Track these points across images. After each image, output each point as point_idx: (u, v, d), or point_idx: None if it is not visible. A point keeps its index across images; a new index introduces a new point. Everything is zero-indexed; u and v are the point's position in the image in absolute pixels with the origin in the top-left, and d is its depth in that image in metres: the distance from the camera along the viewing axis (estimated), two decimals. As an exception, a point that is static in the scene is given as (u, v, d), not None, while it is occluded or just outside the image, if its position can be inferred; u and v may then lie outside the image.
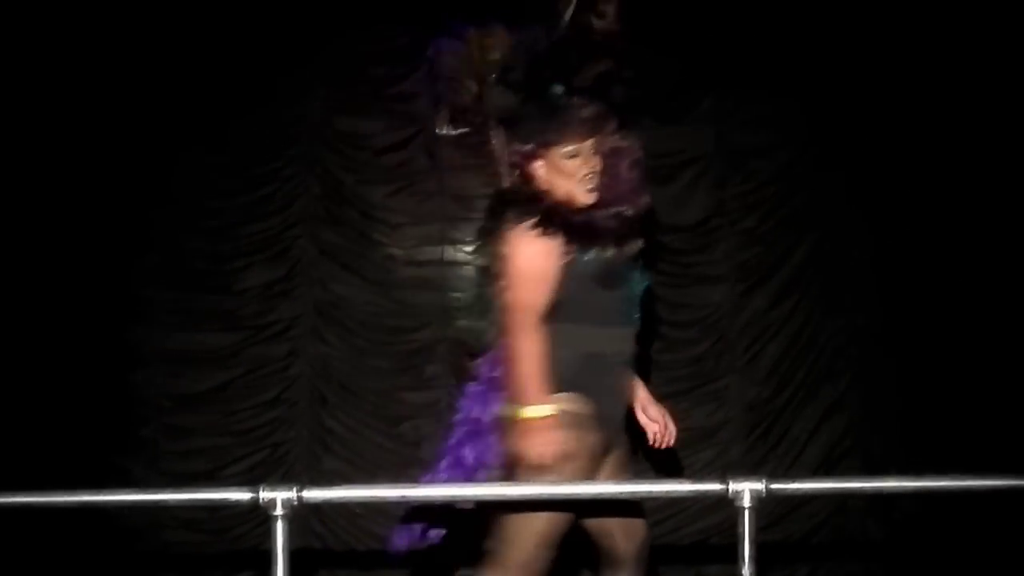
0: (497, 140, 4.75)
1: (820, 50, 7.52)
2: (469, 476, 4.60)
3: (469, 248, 7.55)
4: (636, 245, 4.60)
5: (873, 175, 7.58)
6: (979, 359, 7.46)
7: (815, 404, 7.61)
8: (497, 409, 4.60)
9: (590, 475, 4.47)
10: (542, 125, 4.54)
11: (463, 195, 7.55)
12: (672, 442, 4.71)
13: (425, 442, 7.44)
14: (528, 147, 4.57)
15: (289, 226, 7.55)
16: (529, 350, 4.42)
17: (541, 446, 4.36)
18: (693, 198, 7.54)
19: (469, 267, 7.49)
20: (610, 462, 4.65)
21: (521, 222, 4.46)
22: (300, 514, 3.51)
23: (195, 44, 7.40)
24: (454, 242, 7.57)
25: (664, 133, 7.45)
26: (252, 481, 3.65)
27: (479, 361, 4.85)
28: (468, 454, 4.66)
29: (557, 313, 4.46)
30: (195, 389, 7.50)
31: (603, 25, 4.74)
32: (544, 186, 4.55)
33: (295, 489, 3.48)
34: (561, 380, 4.49)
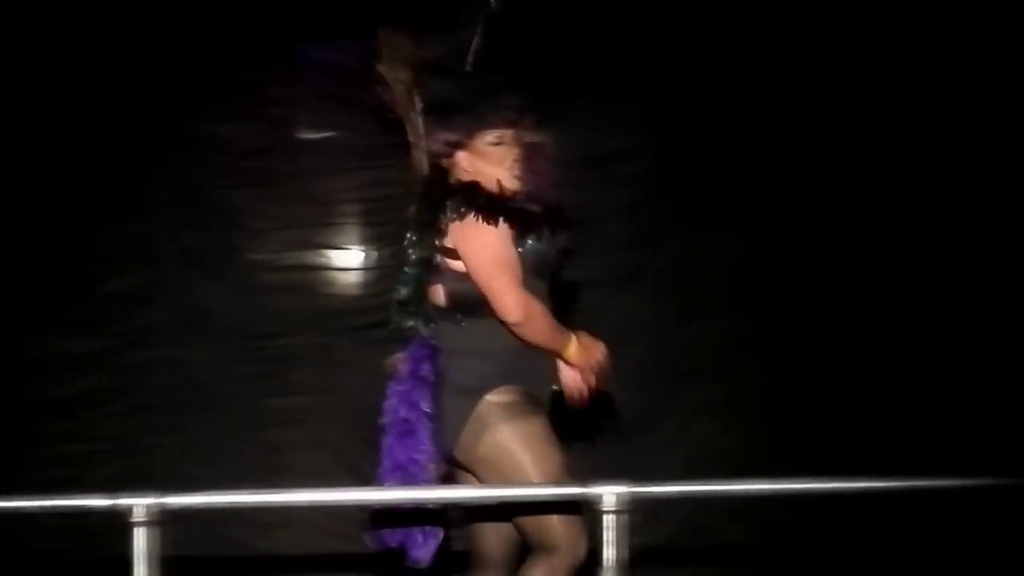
0: (414, 132, 4.72)
1: (684, 56, 7.59)
2: (409, 477, 4.55)
3: (331, 251, 7.55)
4: (564, 237, 4.60)
5: (735, 181, 7.66)
6: (842, 360, 7.60)
7: (679, 407, 7.68)
8: (426, 405, 4.57)
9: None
10: (469, 112, 4.53)
11: (326, 199, 7.53)
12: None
13: (288, 448, 7.44)
14: (455, 136, 4.56)
15: (151, 231, 7.45)
16: (538, 312, 4.45)
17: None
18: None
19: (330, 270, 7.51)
20: None
21: (466, 213, 4.47)
22: (162, 521, 3.45)
23: (55, 47, 7.29)
24: (318, 246, 7.54)
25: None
26: (115, 488, 3.58)
27: (400, 358, 4.78)
28: (401, 455, 4.61)
29: (488, 307, 4.46)
30: (57, 396, 7.38)
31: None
32: (466, 176, 4.57)
33: (157, 496, 3.44)
34: (498, 374, 4.51)
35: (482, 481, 4.46)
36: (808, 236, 7.59)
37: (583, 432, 7.46)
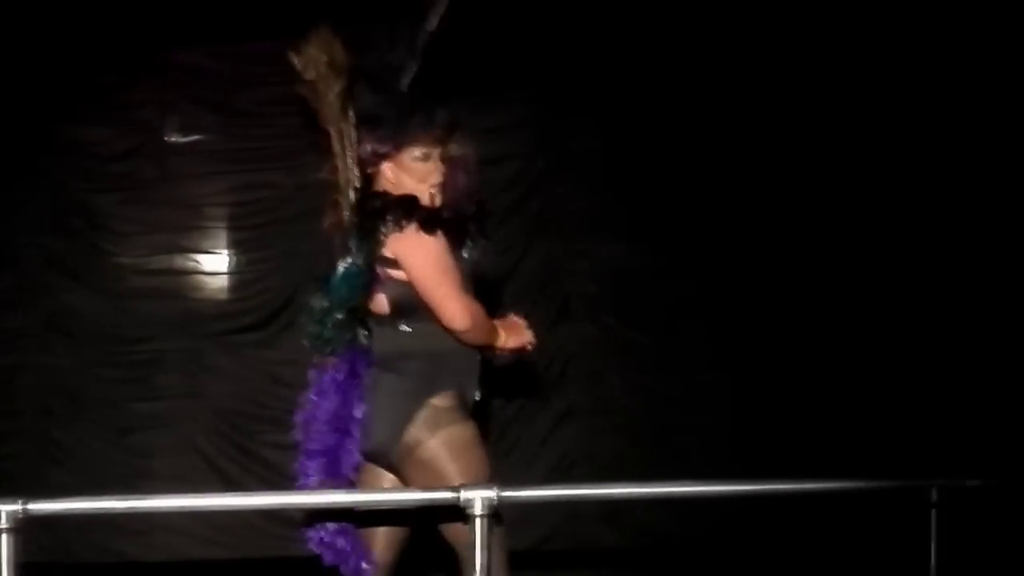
0: (341, 140, 4.73)
1: (555, 61, 7.63)
2: (333, 480, 4.57)
3: (199, 255, 7.50)
4: (485, 246, 4.65)
5: (605, 185, 7.72)
6: (712, 363, 7.69)
7: (546, 412, 7.71)
8: (358, 409, 4.59)
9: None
10: (398, 126, 4.55)
11: (193, 203, 7.48)
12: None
13: (154, 453, 7.38)
14: (383, 147, 4.58)
15: (15, 235, 7.35)
16: (479, 314, 4.53)
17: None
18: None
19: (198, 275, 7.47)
20: None
21: (407, 225, 4.48)
22: (26, 528, 3.41)
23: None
24: (184, 250, 7.48)
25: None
26: (-24, 495, 3.52)
27: (332, 362, 4.77)
28: (327, 456, 4.62)
29: (429, 312, 4.50)
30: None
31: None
32: (388, 186, 4.59)
33: (20, 502, 3.39)
34: (439, 377, 4.54)
35: (407, 483, 4.48)
36: (680, 239, 7.66)
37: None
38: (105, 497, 3.60)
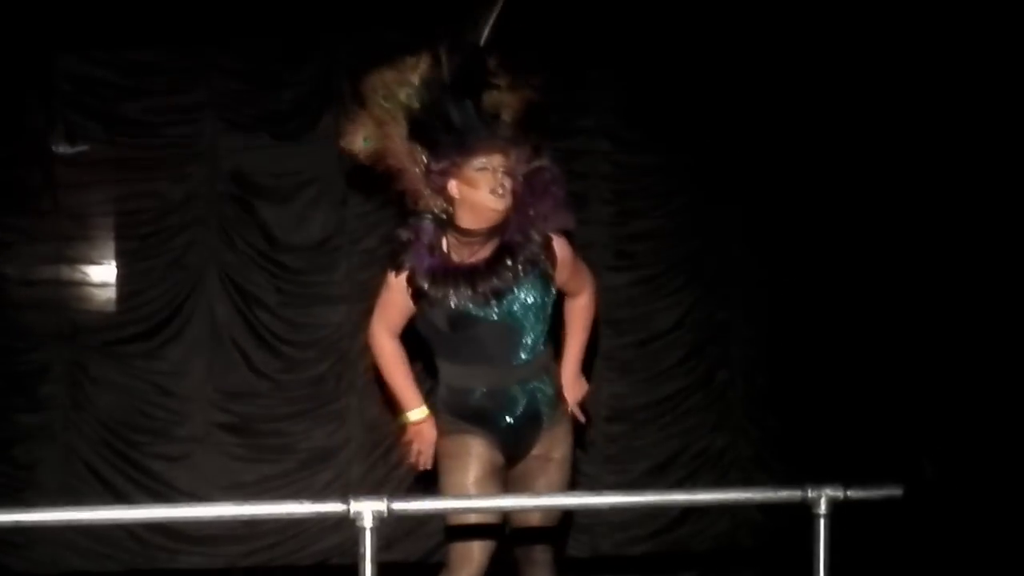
0: (414, 178, 4.77)
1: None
2: None
3: (84, 266, 7.45)
4: (492, 284, 4.68)
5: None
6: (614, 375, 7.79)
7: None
8: None
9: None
10: (454, 138, 4.57)
11: (79, 213, 7.42)
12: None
13: (39, 465, 7.32)
14: (443, 163, 4.61)
15: None
16: (381, 353, 4.94)
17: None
18: (314, 217, 7.57)
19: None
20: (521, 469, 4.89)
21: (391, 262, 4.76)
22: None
23: None
24: (70, 261, 7.41)
25: (285, 151, 7.47)
26: None
27: None
28: None
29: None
30: None
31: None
32: (455, 205, 4.64)
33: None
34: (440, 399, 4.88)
35: None
36: (607, 250, 7.77)
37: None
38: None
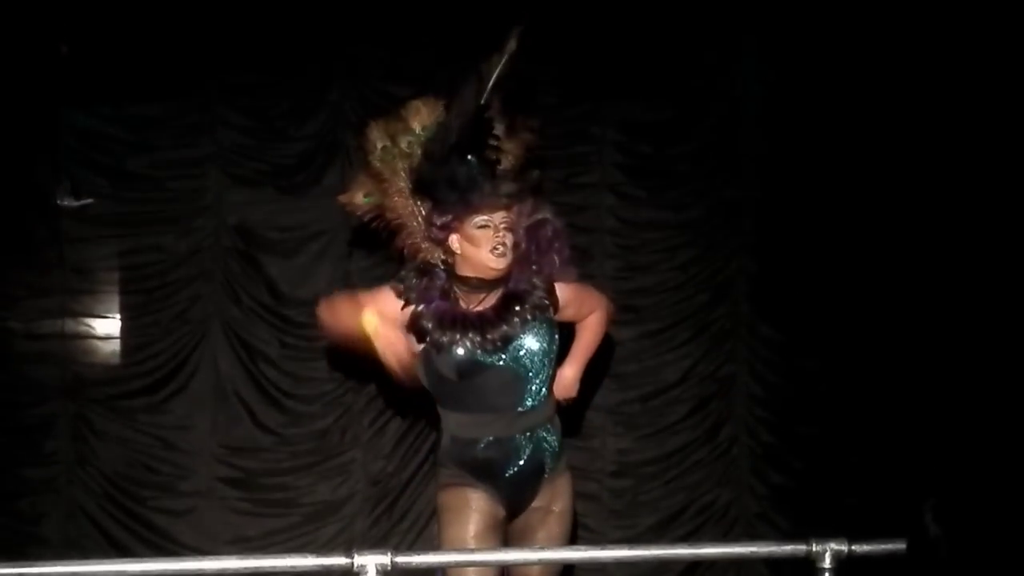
0: (413, 232, 4.80)
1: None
2: None
3: (89, 319, 7.45)
4: (501, 331, 4.69)
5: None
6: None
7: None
8: None
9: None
10: (457, 195, 4.60)
11: (84, 267, 7.43)
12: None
13: (43, 519, 7.30)
14: (445, 218, 4.63)
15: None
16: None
17: None
18: (319, 271, 7.57)
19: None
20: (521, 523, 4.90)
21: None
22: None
23: None
24: (75, 315, 7.42)
25: (290, 205, 7.48)
26: None
27: None
28: None
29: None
30: None
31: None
32: (456, 259, 4.74)
33: None
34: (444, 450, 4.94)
35: None
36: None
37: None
38: (-8, 564, 3.56)
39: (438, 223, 4.69)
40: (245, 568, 3.60)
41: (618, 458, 7.76)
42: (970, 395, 7.50)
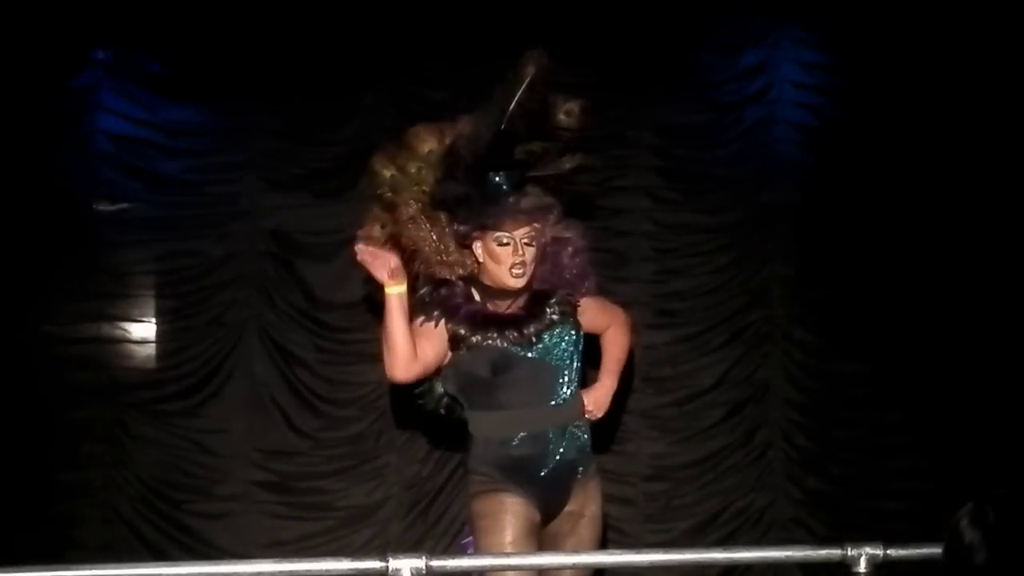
0: (432, 252, 4.83)
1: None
2: None
3: (125, 324, 7.48)
4: (535, 325, 4.71)
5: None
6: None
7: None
8: None
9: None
10: (479, 211, 4.63)
11: (120, 272, 7.45)
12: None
13: (79, 523, 7.32)
14: (466, 228, 4.68)
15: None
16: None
17: None
18: (354, 275, 7.55)
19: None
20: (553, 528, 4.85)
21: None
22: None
23: None
24: (111, 319, 7.45)
25: (325, 210, 7.48)
26: None
27: None
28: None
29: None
30: None
31: (569, 122, 4.85)
32: (478, 266, 4.78)
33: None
34: (476, 456, 4.83)
35: None
36: None
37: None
38: (28, 568, 3.58)
39: (462, 229, 4.72)
40: (280, 572, 3.61)
41: (653, 462, 7.74)
42: (1007, 398, 7.45)
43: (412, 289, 4.78)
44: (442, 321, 4.72)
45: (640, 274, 7.74)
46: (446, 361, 4.79)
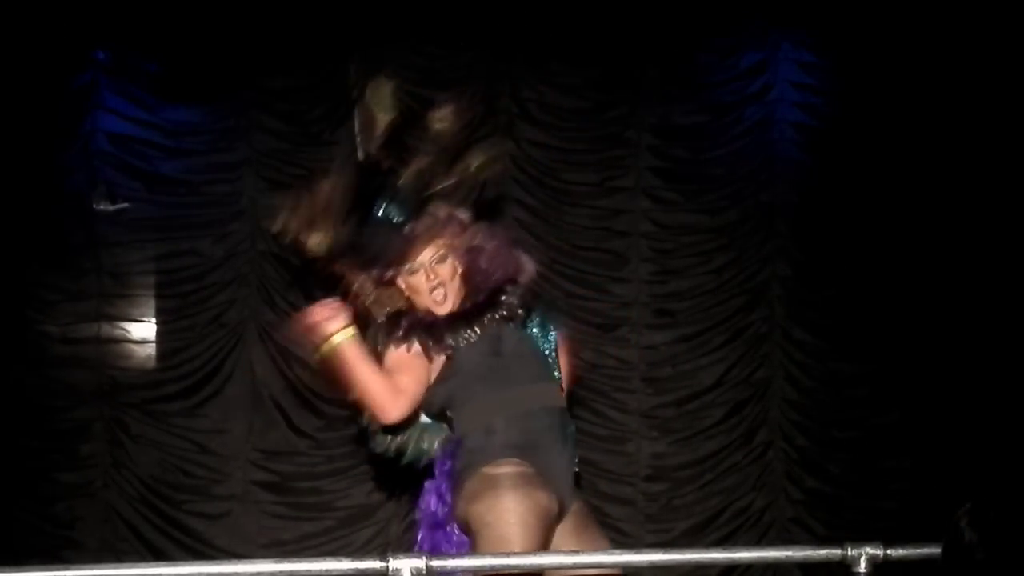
0: (364, 285, 4.78)
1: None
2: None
3: (124, 323, 7.48)
4: (511, 301, 4.64)
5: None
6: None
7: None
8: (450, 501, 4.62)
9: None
10: (376, 252, 4.58)
11: (120, 271, 7.46)
12: None
13: (79, 523, 7.32)
14: (376, 271, 4.62)
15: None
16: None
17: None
18: (354, 275, 7.58)
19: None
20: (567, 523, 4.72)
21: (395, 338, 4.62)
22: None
23: None
24: (111, 319, 7.46)
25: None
26: None
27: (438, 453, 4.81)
28: (430, 547, 4.63)
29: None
30: None
31: (445, 127, 4.78)
32: (407, 300, 4.66)
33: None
34: (487, 450, 4.54)
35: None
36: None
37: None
38: (28, 568, 3.57)
39: (374, 275, 4.67)
40: (280, 572, 3.60)
41: (653, 462, 7.75)
42: (1007, 398, 7.46)
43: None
44: (415, 346, 4.65)
45: (639, 274, 7.74)
46: (431, 381, 4.71)
